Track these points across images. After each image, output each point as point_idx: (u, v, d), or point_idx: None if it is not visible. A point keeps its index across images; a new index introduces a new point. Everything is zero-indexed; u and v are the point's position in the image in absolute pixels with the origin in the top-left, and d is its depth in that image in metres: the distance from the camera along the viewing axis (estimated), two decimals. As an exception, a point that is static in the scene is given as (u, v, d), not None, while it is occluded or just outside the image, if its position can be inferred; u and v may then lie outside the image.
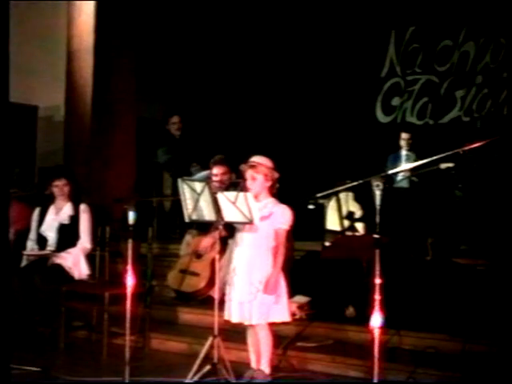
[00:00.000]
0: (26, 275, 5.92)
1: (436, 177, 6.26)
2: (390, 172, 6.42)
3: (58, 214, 6.27)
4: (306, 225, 6.53)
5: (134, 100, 8.55)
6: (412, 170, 7.09)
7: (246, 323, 4.63)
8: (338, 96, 9.60)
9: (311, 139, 9.54)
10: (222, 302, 4.77)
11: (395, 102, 9.73)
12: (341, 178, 7.08)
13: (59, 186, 6.28)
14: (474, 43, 9.16)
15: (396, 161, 8.47)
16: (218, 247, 5.12)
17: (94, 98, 8.15)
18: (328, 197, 7.10)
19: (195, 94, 10.02)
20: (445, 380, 4.75)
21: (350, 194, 7.23)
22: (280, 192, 4.78)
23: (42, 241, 6.26)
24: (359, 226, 7.18)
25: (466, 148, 5.25)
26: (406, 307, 5.29)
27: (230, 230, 5.06)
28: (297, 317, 5.61)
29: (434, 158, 5.26)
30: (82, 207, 6.26)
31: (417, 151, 8.36)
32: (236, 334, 5.00)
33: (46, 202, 6.36)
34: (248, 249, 4.63)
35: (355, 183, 5.67)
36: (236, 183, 5.41)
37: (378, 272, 3.99)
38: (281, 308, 4.62)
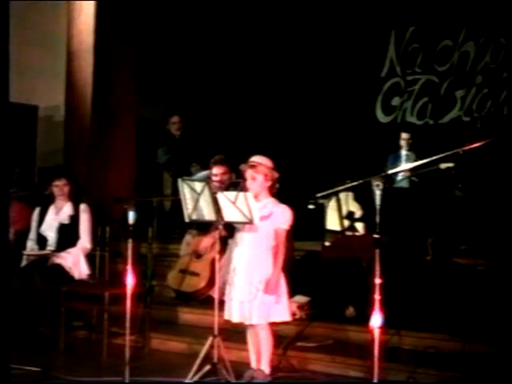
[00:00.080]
0: (26, 275, 5.92)
1: (436, 177, 6.27)
2: (390, 172, 6.43)
3: (58, 214, 6.27)
4: (306, 225, 6.54)
5: (134, 100, 8.54)
6: (412, 169, 7.11)
7: (247, 323, 4.63)
8: (338, 96, 9.60)
9: (311, 139, 9.54)
10: (221, 302, 4.77)
11: (395, 102, 9.73)
12: (341, 178, 7.08)
13: (59, 186, 6.27)
14: (474, 43, 9.16)
15: (396, 161, 8.47)
16: (217, 247, 5.12)
17: (94, 98, 8.15)
18: (328, 197, 7.11)
19: (195, 94, 10.02)
20: (445, 380, 4.75)
21: (350, 194, 7.24)
22: (280, 192, 4.78)
23: (42, 241, 6.26)
24: (359, 225, 7.19)
25: (466, 148, 5.25)
26: (406, 307, 5.29)
27: (230, 229, 5.06)
28: (297, 317, 5.61)
29: (434, 158, 5.27)
30: (82, 207, 6.27)
31: (417, 151, 8.36)
32: (236, 333, 5.01)
33: (45, 201, 6.36)
34: (248, 249, 4.64)
35: (355, 183, 5.69)
36: (236, 183, 5.43)
37: (378, 272, 3.99)
38: (281, 308, 4.62)
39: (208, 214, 4.64)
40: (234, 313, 4.63)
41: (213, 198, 4.58)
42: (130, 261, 4.76)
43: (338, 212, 7.17)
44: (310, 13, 9.65)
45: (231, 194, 4.53)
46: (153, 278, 6.08)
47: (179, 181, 4.67)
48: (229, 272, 4.76)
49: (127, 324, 4.75)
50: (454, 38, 9.29)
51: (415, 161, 7.50)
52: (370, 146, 9.14)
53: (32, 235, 6.32)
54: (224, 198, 4.54)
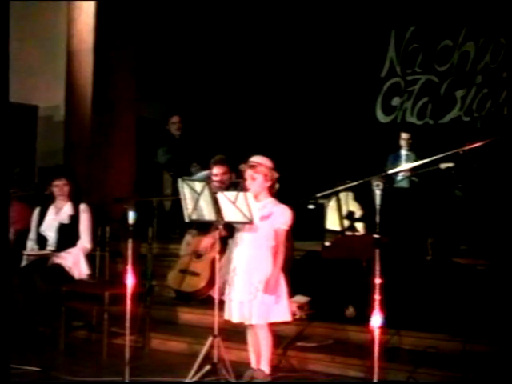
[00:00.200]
0: (26, 275, 5.92)
1: (436, 177, 6.27)
2: (390, 172, 6.42)
3: (57, 214, 6.27)
4: (306, 225, 6.54)
5: (134, 100, 8.54)
6: (412, 169, 7.10)
7: (246, 323, 4.64)
8: (338, 96, 9.60)
9: (311, 139, 9.54)
10: (221, 302, 4.77)
11: (395, 101, 9.72)
12: (341, 178, 7.09)
13: (59, 186, 6.28)
14: (474, 43, 9.15)
15: (396, 161, 8.47)
16: (217, 247, 5.13)
17: (94, 98, 8.15)
18: (328, 197, 7.11)
19: (195, 94, 10.02)
20: (445, 380, 4.75)
21: (350, 194, 7.24)
22: (280, 192, 4.78)
23: (41, 241, 6.27)
24: (359, 225, 7.19)
25: (466, 148, 5.26)
26: (406, 307, 5.29)
27: (230, 229, 5.06)
28: (297, 317, 5.60)
29: (434, 158, 5.27)
30: (82, 207, 6.27)
31: (417, 151, 8.36)
32: (236, 333, 5.01)
33: (45, 201, 6.36)
34: (248, 249, 4.64)
35: (355, 183, 5.69)
36: (236, 183, 5.43)
37: (378, 272, 3.99)
38: (281, 308, 4.62)
39: (208, 214, 4.64)
40: (233, 313, 4.63)
41: (213, 198, 4.58)
42: (130, 261, 4.76)
43: (338, 212, 7.17)
44: (309, 13, 9.64)
45: (231, 194, 4.53)
46: (153, 278, 6.08)
47: (179, 181, 4.67)
48: (229, 272, 4.76)
49: (127, 324, 4.75)
50: (454, 37, 9.28)
51: (415, 161, 7.50)
52: (370, 145, 9.14)
53: (32, 235, 6.32)
54: (224, 197, 4.54)
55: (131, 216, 4.77)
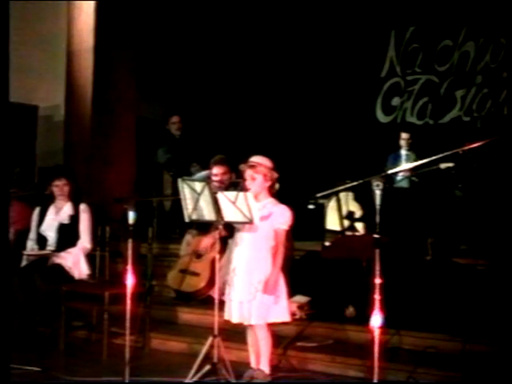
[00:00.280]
0: (26, 275, 5.92)
1: (436, 177, 6.27)
2: (390, 172, 6.42)
3: (57, 214, 6.27)
4: (306, 225, 6.54)
5: (134, 100, 8.54)
6: (412, 169, 7.10)
7: (246, 323, 4.63)
8: (338, 96, 9.60)
9: (311, 139, 9.54)
10: (222, 302, 4.77)
11: (395, 101, 9.73)
12: (341, 178, 7.09)
13: (59, 186, 6.27)
14: (474, 43, 9.16)
15: (396, 161, 8.46)
16: (217, 247, 5.13)
17: (94, 98, 8.15)
18: (328, 197, 7.11)
19: (195, 94, 10.02)
20: (445, 380, 4.75)
21: (350, 194, 7.24)
22: (280, 192, 4.78)
23: (42, 241, 6.26)
24: (359, 225, 7.19)
25: (466, 148, 5.25)
26: (406, 307, 5.29)
27: (230, 229, 5.06)
28: (297, 317, 5.61)
29: (434, 158, 5.26)
30: (82, 207, 6.27)
31: (417, 151, 8.36)
32: (236, 334, 5.00)
33: (45, 201, 6.36)
34: (248, 249, 4.64)
35: (355, 183, 5.68)
36: (236, 183, 5.43)
37: (378, 272, 3.99)
38: (280, 308, 4.62)
39: (208, 214, 4.64)
40: (233, 313, 4.63)
41: (213, 198, 4.57)
42: (130, 261, 4.76)
43: (338, 212, 7.17)
44: (309, 13, 9.65)
45: (231, 194, 4.53)
46: (153, 277, 6.08)
47: (179, 181, 4.67)
48: (229, 272, 4.76)
49: (127, 324, 4.75)
50: (454, 37, 9.29)
51: (415, 161, 7.50)
52: (370, 146, 9.14)
53: (32, 235, 6.31)
54: (224, 197, 4.54)
55: (131, 216, 4.77)
